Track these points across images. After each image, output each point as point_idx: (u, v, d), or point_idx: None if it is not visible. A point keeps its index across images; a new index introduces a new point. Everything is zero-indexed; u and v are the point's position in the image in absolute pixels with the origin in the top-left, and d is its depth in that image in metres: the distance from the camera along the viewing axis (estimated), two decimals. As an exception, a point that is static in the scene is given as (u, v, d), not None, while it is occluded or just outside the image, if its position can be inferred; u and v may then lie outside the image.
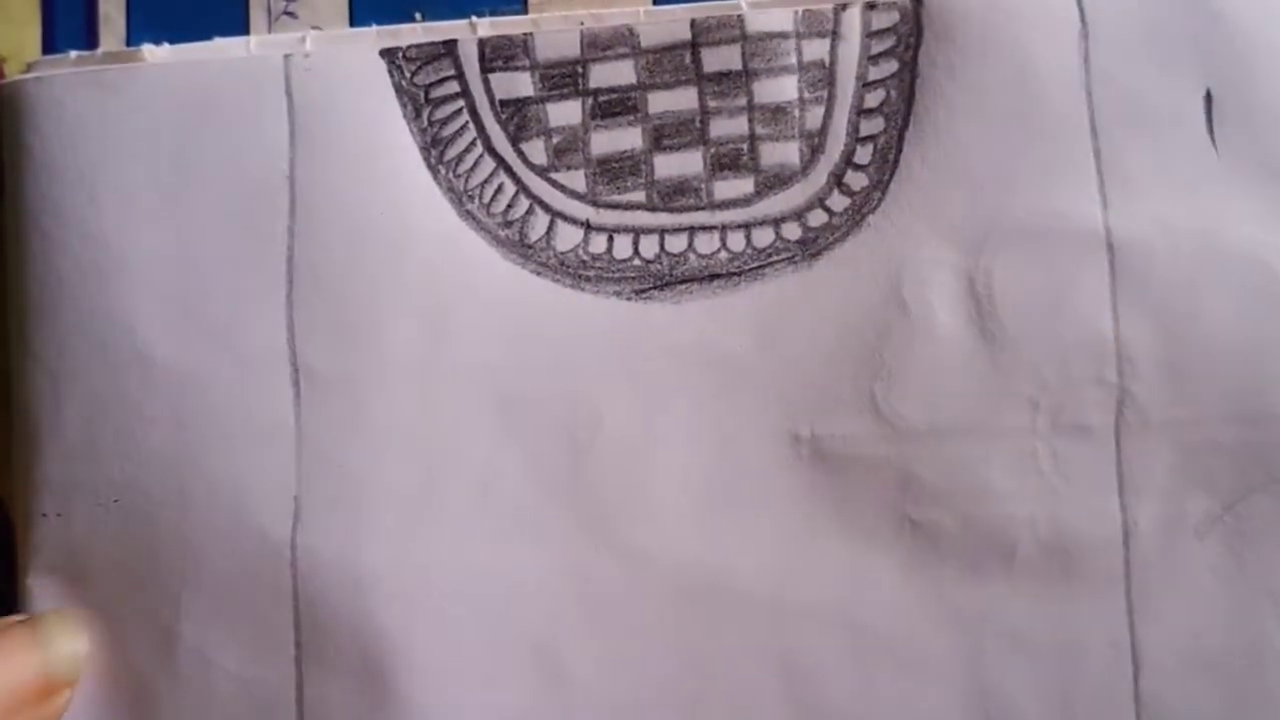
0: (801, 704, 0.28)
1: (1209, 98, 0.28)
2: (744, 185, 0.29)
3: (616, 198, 0.29)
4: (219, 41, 0.30)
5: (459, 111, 0.29)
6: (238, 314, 0.29)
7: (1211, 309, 0.28)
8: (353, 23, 0.31)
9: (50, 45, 0.32)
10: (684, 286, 0.29)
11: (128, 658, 0.28)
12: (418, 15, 0.31)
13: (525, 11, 0.31)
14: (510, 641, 0.28)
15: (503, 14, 0.31)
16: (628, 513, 0.28)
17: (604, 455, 0.28)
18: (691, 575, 0.28)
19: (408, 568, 0.28)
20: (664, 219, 0.29)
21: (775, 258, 0.29)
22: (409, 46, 0.29)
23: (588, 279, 0.29)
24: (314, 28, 0.31)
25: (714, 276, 0.29)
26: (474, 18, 0.30)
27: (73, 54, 0.30)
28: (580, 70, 0.29)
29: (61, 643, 0.27)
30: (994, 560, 0.28)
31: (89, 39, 0.32)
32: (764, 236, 0.29)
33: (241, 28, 0.31)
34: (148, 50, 0.29)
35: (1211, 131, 0.28)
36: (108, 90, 0.29)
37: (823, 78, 0.29)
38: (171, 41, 0.30)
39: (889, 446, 0.28)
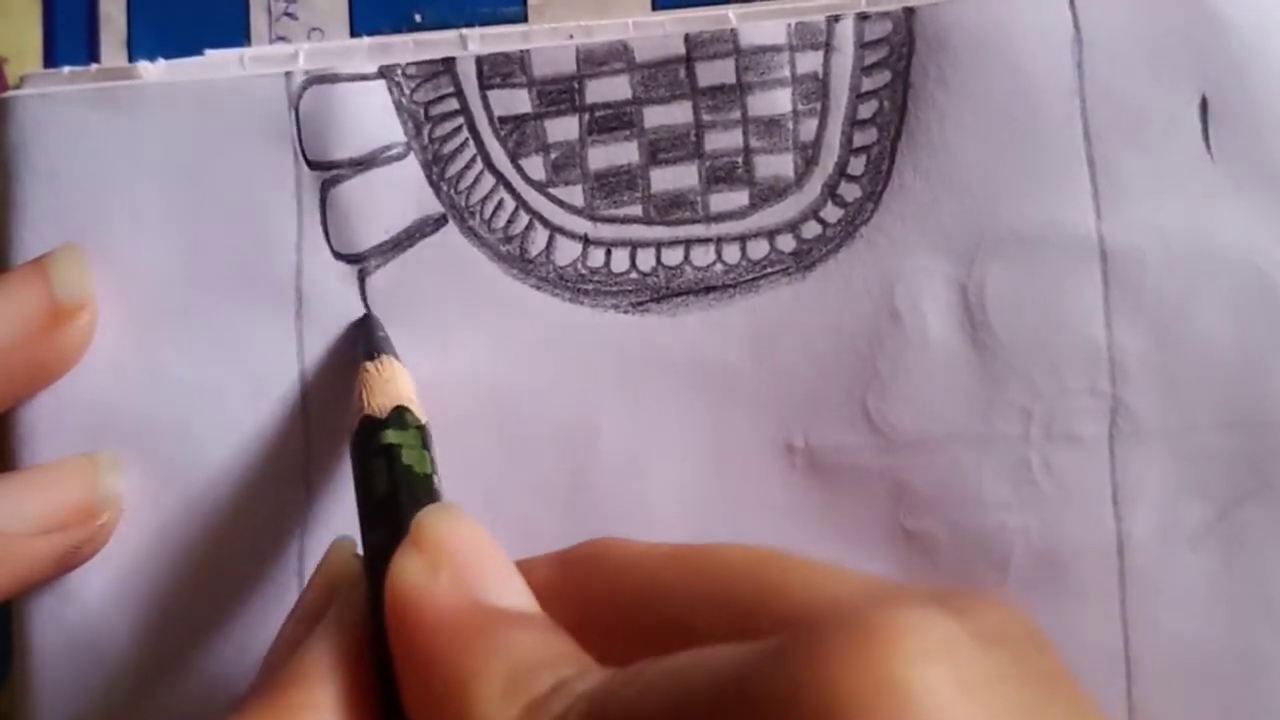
0: None
1: (1204, 104, 0.28)
2: (739, 198, 0.29)
3: (614, 212, 0.29)
4: (212, 55, 0.30)
5: (459, 129, 0.29)
6: (247, 329, 0.29)
7: (1205, 317, 0.28)
8: (352, 23, 0.32)
9: (51, 45, 0.32)
10: (680, 299, 0.29)
11: (123, 667, 0.28)
12: (417, 16, 0.31)
13: (525, 11, 0.31)
14: None
15: (501, 14, 0.31)
16: (626, 523, 0.28)
17: (603, 466, 0.29)
18: None
19: None
20: (660, 232, 0.29)
21: (770, 269, 0.29)
22: (407, 64, 0.29)
23: (586, 293, 0.29)
24: (314, 29, 0.32)
25: (710, 289, 0.29)
26: (464, 30, 0.30)
27: (66, 69, 0.30)
28: (577, 86, 0.29)
29: (67, 271, 0.28)
30: (987, 569, 0.28)
31: (90, 39, 0.32)
32: (759, 249, 0.29)
33: (242, 28, 0.32)
34: (142, 67, 0.30)
35: (1207, 138, 0.28)
36: (113, 107, 0.29)
37: (816, 90, 0.29)
38: (171, 44, 0.30)
39: (882, 456, 0.28)
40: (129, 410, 0.29)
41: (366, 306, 0.29)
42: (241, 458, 0.29)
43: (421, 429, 0.25)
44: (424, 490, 0.24)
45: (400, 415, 0.25)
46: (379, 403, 0.25)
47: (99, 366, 0.29)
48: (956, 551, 0.28)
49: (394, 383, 0.26)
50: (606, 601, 0.22)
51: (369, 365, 0.26)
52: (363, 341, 0.28)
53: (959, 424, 0.28)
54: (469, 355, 0.29)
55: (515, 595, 0.21)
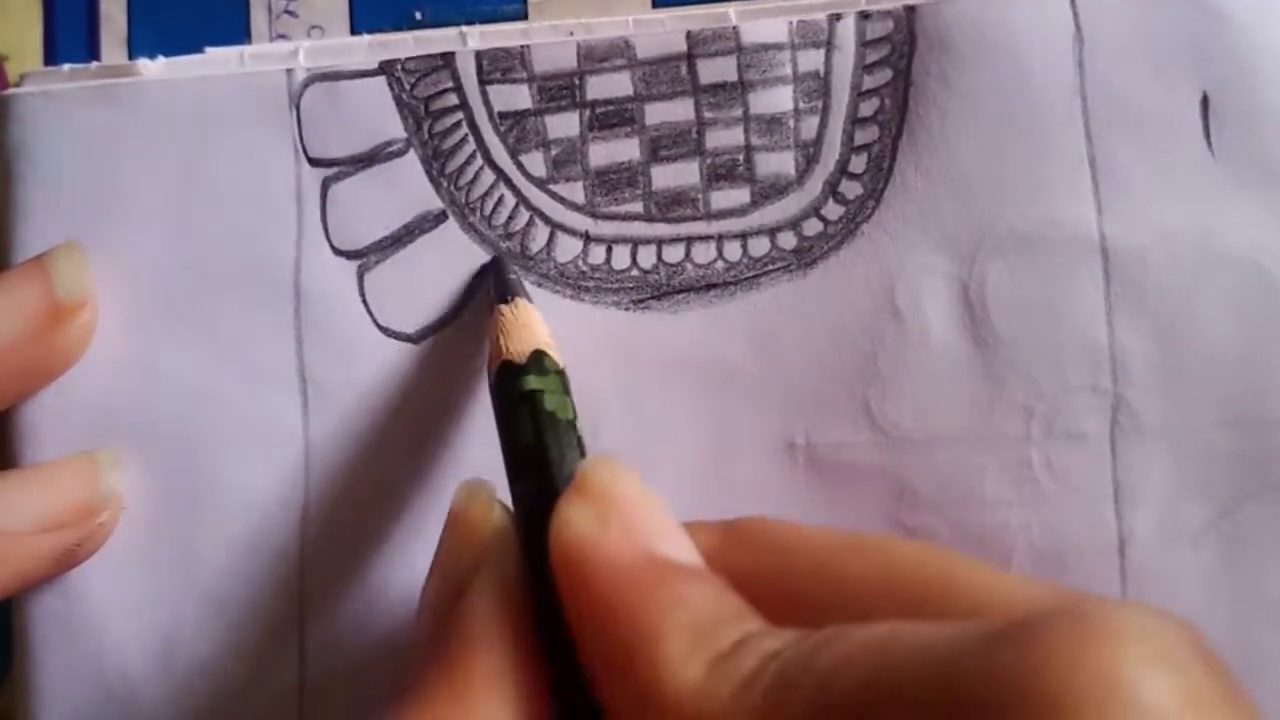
0: None
1: (1206, 102, 0.28)
2: (740, 195, 0.29)
3: (615, 209, 0.29)
4: (212, 53, 0.30)
5: (459, 124, 0.29)
6: (246, 326, 0.29)
7: (1207, 315, 0.28)
8: (353, 21, 0.32)
9: (51, 43, 0.32)
10: (681, 296, 0.29)
11: (124, 664, 0.28)
12: (418, 14, 0.31)
13: (525, 9, 0.31)
14: None
15: (502, 12, 0.31)
16: None
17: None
18: None
19: (414, 574, 0.28)
20: (661, 229, 0.29)
21: (771, 267, 0.29)
22: (407, 59, 0.29)
23: (587, 289, 0.29)
24: (314, 27, 0.32)
25: (711, 286, 0.29)
26: (464, 27, 0.30)
27: (66, 67, 0.30)
28: (577, 82, 0.29)
29: (67, 269, 0.28)
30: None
31: (90, 37, 0.32)
32: (760, 246, 0.29)
33: (242, 26, 0.32)
34: (142, 64, 0.30)
35: (1208, 136, 0.28)
36: (113, 105, 0.29)
37: (817, 88, 0.29)
38: (171, 42, 0.30)
39: (883, 454, 0.28)
40: (129, 407, 0.29)
41: (365, 304, 0.29)
42: (241, 454, 0.29)
43: (561, 374, 0.25)
44: (569, 437, 0.23)
45: (540, 360, 0.25)
46: (516, 347, 0.25)
47: (99, 364, 0.29)
48: (958, 549, 0.27)
49: (530, 326, 0.26)
50: (771, 578, 0.21)
51: (503, 308, 0.26)
52: (494, 284, 0.28)
53: (960, 422, 0.28)
54: (469, 350, 0.29)
55: (684, 550, 0.21)
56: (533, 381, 0.24)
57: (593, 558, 0.20)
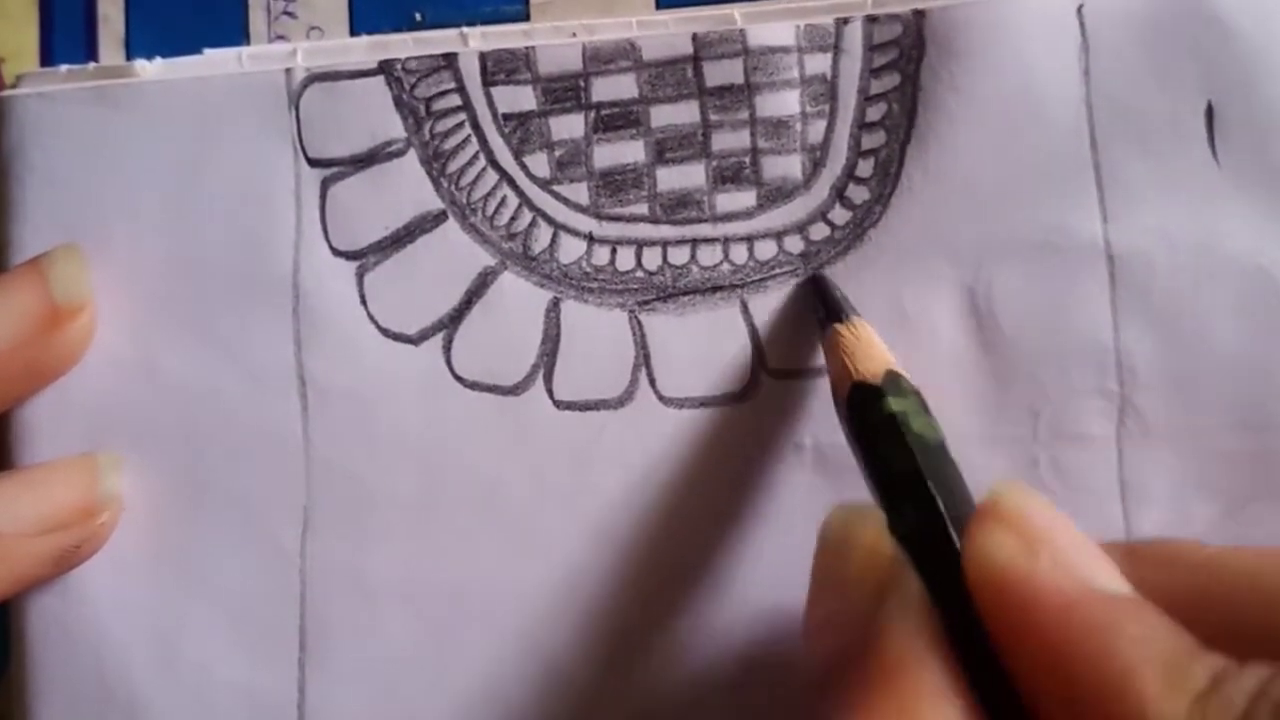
0: (805, 708, 0.27)
1: (1210, 111, 0.28)
2: (746, 198, 0.29)
3: (619, 210, 0.29)
4: (210, 54, 0.30)
5: (461, 125, 0.29)
6: (244, 327, 0.29)
7: (1213, 319, 0.28)
8: (352, 23, 0.31)
9: (48, 45, 0.32)
10: (687, 298, 0.29)
11: (124, 665, 0.28)
12: (418, 15, 0.31)
13: (527, 10, 0.31)
14: (515, 647, 0.28)
15: (503, 13, 0.31)
16: (630, 521, 0.28)
17: (607, 466, 0.28)
18: (694, 582, 0.28)
19: (415, 574, 0.28)
20: (666, 231, 0.29)
21: (777, 271, 0.29)
22: (407, 59, 0.29)
23: (591, 290, 0.29)
24: (313, 28, 0.31)
25: (716, 289, 0.29)
26: (465, 28, 0.30)
27: (63, 68, 0.30)
28: (582, 84, 0.29)
29: (65, 272, 0.28)
30: None
31: (88, 38, 0.32)
32: (766, 249, 0.29)
33: (240, 28, 0.31)
34: (140, 65, 0.29)
35: (1213, 144, 0.28)
36: (110, 106, 0.29)
37: (824, 91, 0.29)
38: (169, 43, 0.30)
39: None
40: (128, 409, 0.29)
41: (364, 305, 0.29)
42: (240, 455, 0.29)
43: (918, 394, 0.24)
44: (944, 460, 0.23)
45: (896, 381, 0.24)
46: (867, 368, 0.25)
47: (98, 365, 0.29)
48: None
49: (874, 345, 0.25)
50: (1190, 602, 0.20)
51: (841, 329, 0.26)
52: (823, 302, 0.27)
53: (966, 424, 0.28)
54: (471, 352, 0.29)
55: (1115, 579, 0.20)
56: (894, 404, 0.24)
57: (1028, 590, 0.20)
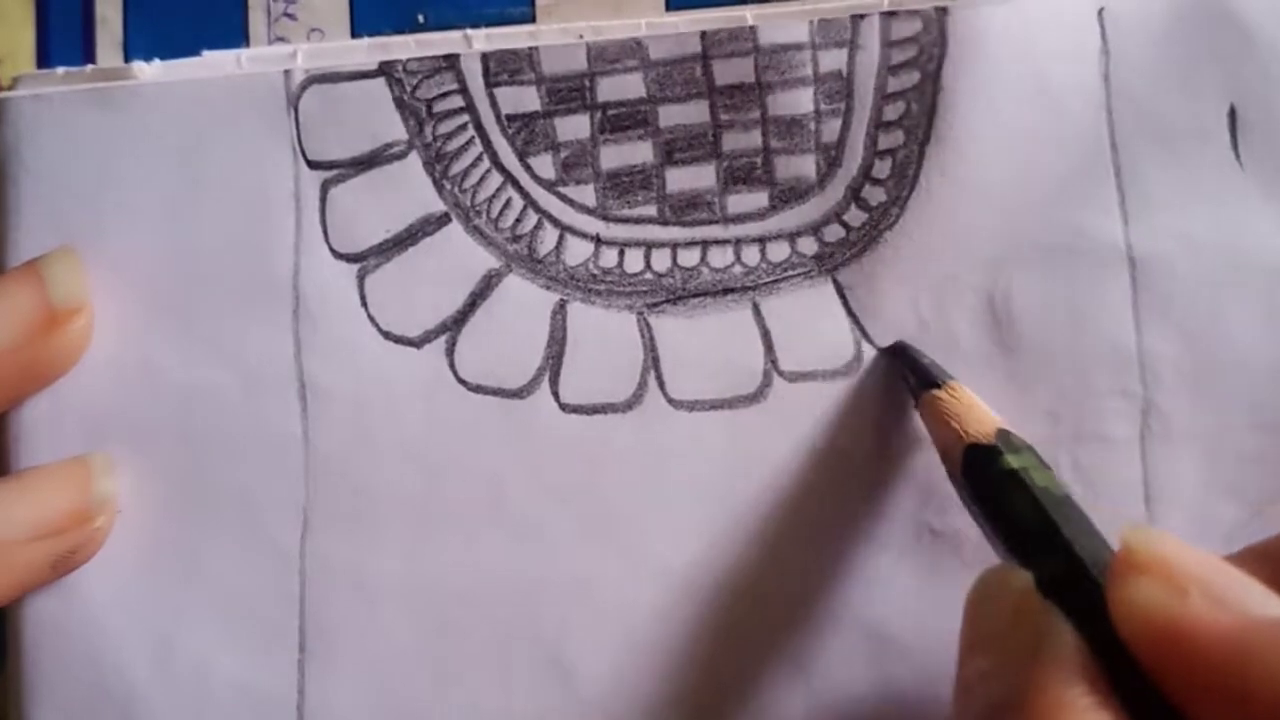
0: (816, 708, 0.28)
1: (1233, 113, 0.28)
2: (758, 199, 0.28)
3: (627, 212, 0.29)
4: (209, 56, 0.30)
5: (464, 126, 0.29)
6: (244, 329, 0.29)
7: (1235, 320, 0.28)
8: (353, 24, 0.31)
9: (45, 46, 0.31)
10: (697, 300, 0.28)
11: (122, 666, 0.28)
12: (420, 17, 0.31)
13: (533, 12, 0.30)
14: (519, 646, 0.28)
15: (508, 15, 0.30)
16: (640, 526, 0.28)
17: (616, 469, 0.28)
18: (705, 581, 0.28)
19: (417, 572, 0.28)
20: (676, 233, 0.28)
21: (791, 272, 0.28)
22: (409, 60, 0.29)
23: (598, 293, 0.28)
24: (314, 30, 0.31)
25: (728, 290, 0.28)
26: (469, 30, 0.29)
27: (61, 70, 0.29)
28: (588, 84, 0.29)
29: (62, 274, 0.28)
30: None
31: (85, 41, 0.31)
32: (779, 251, 0.28)
33: (240, 29, 0.31)
34: (138, 67, 0.29)
35: (1236, 146, 0.28)
36: (108, 108, 0.29)
37: (840, 89, 0.28)
38: (168, 45, 0.30)
39: (907, 455, 0.28)
40: (127, 412, 0.29)
41: (365, 308, 0.29)
42: (239, 457, 0.28)
43: (1032, 449, 0.25)
44: (1074, 512, 0.23)
45: (1007, 437, 0.25)
46: (976, 429, 0.25)
47: (96, 368, 0.28)
48: (982, 551, 0.27)
49: (976, 406, 0.26)
50: None
51: (940, 395, 0.26)
52: (913, 371, 0.27)
53: None
54: (474, 352, 0.28)
55: (1269, 601, 0.20)
56: (1013, 460, 0.24)
57: (1186, 630, 0.19)
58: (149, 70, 0.29)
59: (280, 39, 0.31)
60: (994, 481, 0.24)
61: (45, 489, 0.27)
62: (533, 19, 0.30)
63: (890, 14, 0.28)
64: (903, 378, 0.28)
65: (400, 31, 0.30)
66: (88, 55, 0.31)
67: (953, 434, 0.25)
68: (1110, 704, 0.20)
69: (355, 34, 0.31)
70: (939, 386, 0.26)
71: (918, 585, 0.28)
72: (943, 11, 0.28)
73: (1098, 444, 0.28)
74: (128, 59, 0.31)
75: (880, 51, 0.28)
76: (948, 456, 0.26)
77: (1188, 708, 0.19)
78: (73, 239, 0.28)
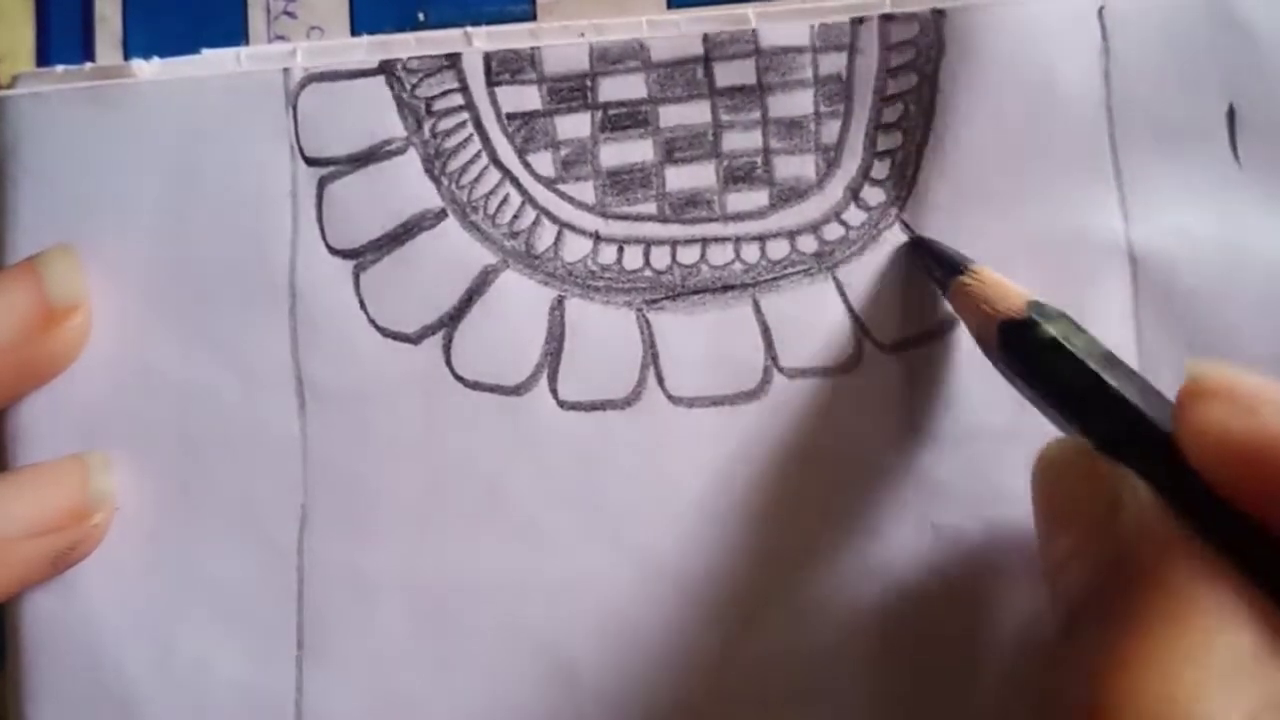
0: (817, 705, 0.27)
1: (1232, 113, 0.28)
2: (758, 198, 0.28)
3: (626, 209, 0.29)
4: (209, 54, 0.30)
5: (463, 124, 0.29)
6: (240, 326, 0.28)
7: (1236, 319, 0.28)
8: (353, 23, 0.31)
9: (45, 45, 0.31)
10: (697, 297, 0.28)
11: (120, 664, 0.28)
12: (421, 15, 0.31)
13: (534, 10, 0.30)
14: (517, 643, 0.28)
15: (509, 13, 0.30)
16: (639, 520, 0.28)
17: (616, 464, 0.28)
18: (705, 578, 0.28)
19: (414, 569, 0.28)
20: (675, 230, 0.28)
21: (790, 270, 0.28)
22: (409, 58, 0.29)
23: (597, 289, 0.28)
24: (314, 28, 0.31)
25: (728, 287, 0.28)
26: (469, 28, 0.29)
27: (59, 68, 0.29)
28: (589, 84, 0.29)
29: (60, 272, 0.28)
30: (1017, 564, 0.27)
31: (85, 39, 0.31)
32: (779, 249, 0.28)
33: (240, 28, 0.31)
34: (136, 65, 0.29)
35: (1235, 145, 0.28)
36: (106, 106, 0.29)
37: (839, 91, 0.29)
38: (168, 43, 0.30)
39: (910, 452, 0.28)
40: (124, 409, 0.29)
41: (362, 304, 0.29)
42: (237, 454, 0.28)
43: (1065, 315, 0.25)
44: (1118, 365, 0.23)
45: (1040, 307, 0.25)
46: (1006, 305, 0.25)
47: (93, 365, 0.29)
48: (985, 546, 0.28)
49: (1003, 284, 0.26)
50: None
51: (966, 279, 0.26)
52: (937, 262, 0.27)
53: (987, 420, 0.28)
54: (473, 349, 0.28)
55: None
56: (1051, 328, 0.24)
57: (1265, 445, 0.20)
58: (148, 69, 0.29)
59: (280, 37, 0.31)
60: (1035, 353, 0.24)
61: (43, 486, 0.27)
62: (533, 17, 0.30)
63: (888, 18, 0.28)
64: (926, 271, 0.28)
65: (401, 29, 0.30)
66: (87, 54, 0.31)
67: (985, 315, 0.25)
68: (1204, 546, 0.20)
69: (355, 32, 0.31)
70: (964, 272, 0.26)
71: (919, 581, 0.28)
72: (940, 15, 0.28)
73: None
74: (127, 57, 0.31)
75: (879, 55, 0.28)
76: (984, 339, 0.26)
77: (1272, 527, 0.19)
78: (70, 237, 0.28)
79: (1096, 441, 0.22)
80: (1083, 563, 0.22)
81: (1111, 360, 0.23)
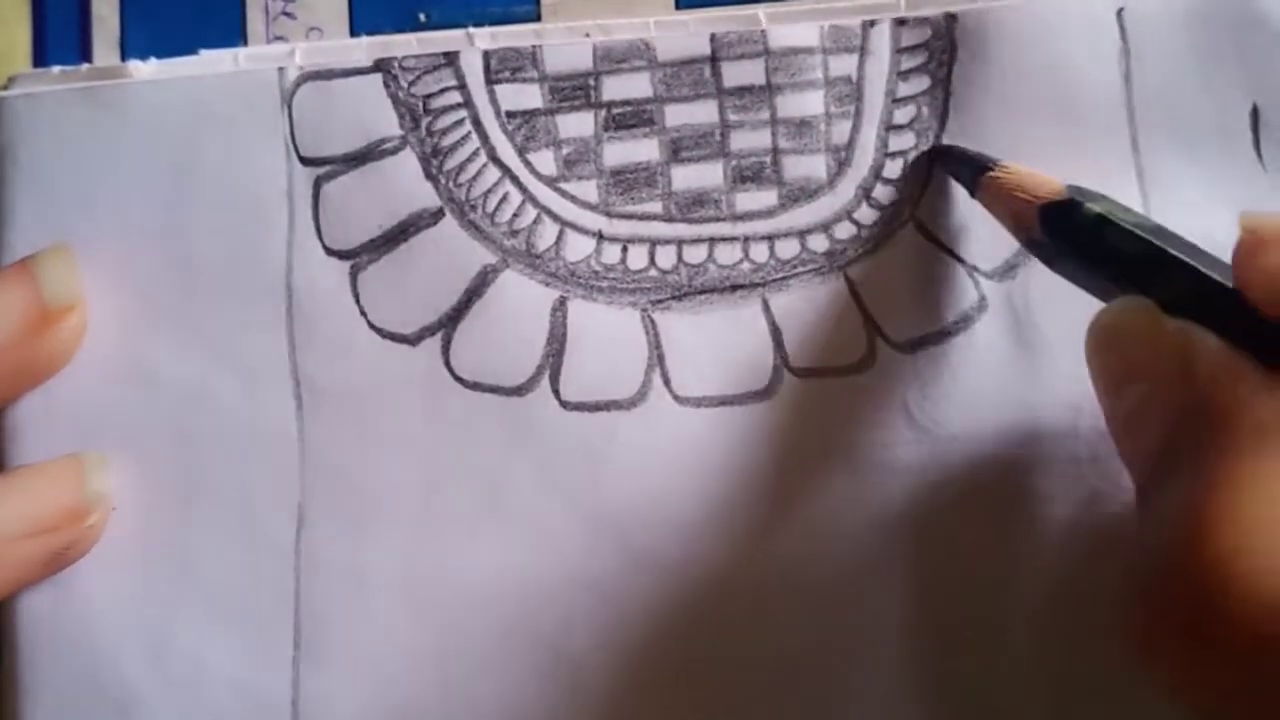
0: (822, 705, 0.27)
1: (1255, 113, 0.28)
2: (767, 197, 0.28)
3: (631, 208, 0.28)
4: (206, 55, 0.29)
5: (460, 122, 0.28)
6: (238, 327, 0.28)
7: None
8: (352, 23, 0.31)
9: (41, 46, 0.31)
10: (704, 297, 0.28)
11: (117, 663, 0.28)
12: (422, 16, 0.30)
13: (538, 10, 0.30)
14: (517, 642, 0.28)
15: (513, 14, 0.30)
16: (643, 521, 0.28)
17: (619, 463, 0.28)
18: (711, 579, 0.28)
19: (412, 569, 0.28)
20: (682, 230, 0.28)
21: (800, 269, 0.28)
22: (405, 57, 0.29)
23: (601, 290, 0.28)
24: (313, 29, 0.30)
25: (736, 287, 0.28)
26: (471, 28, 0.29)
27: (56, 69, 0.29)
28: (592, 83, 0.28)
29: (55, 272, 0.28)
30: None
31: (82, 39, 0.31)
32: (788, 248, 0.28)
33: (238, 28, 0.31)
34: (133, 66, 0.29)
35: (1258, 147, 0.28)
36: (102, 107, 0.29)
37: (850, 93, 0.28)
38: (166, 44, 0.29)
39: (922, 451, 0.28)
40: (121, 409, 0.28)
41: (358, 303, 0.28)
42: (234, 454, 0.28)
43: (1104, 195, 0.25)
44: (1169, 233, 0.23)
45: (1080, 190, 0.25)
46: (1043, 191, 0.25)
47: (89, 366, 0.28)
48: (993, 551, 0.27)
49: (1034, 174, 0.26)
50: None
51: (998, 174, 0.26)
52: (964, 167, 0.27)
53: (1003, 419, 0.28)
54: (473, 349, 0.28)
55: None
56: (1094, 206, 0.24)
57: None
58: (145, 69, 0.29)
59: (279, 38, 0.31)
60: (1084, 230, 0.24)
61: (39, 486, 0.27)
62: (538, 17, 0.30)
63: (900, 21, 0.28)
64: (953, 176, 0.28)
65: (401, 30, 0.30)
66: (84, 54, 0.31)
67: (1022, 202, 0.25)
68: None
69: (354, 33, 0.30)
70: (994, 168, 0.26)
71: (929, 582, 0.27)
72: (951, 18, 0.28)
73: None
74: (124, 58, 0.30)
75: (890, 58, 0.28)
76: (1021, 227, 0.25)
77: None
78: (65, 237, 0.28)
79: (1162, 304, 0.22)
80: (1160, 414, 0.22)
81: (1162, 230, 0.23)
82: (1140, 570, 0.21)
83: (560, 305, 0.28)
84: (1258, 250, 0.21)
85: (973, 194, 0.27)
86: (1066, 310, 0.27)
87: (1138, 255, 0.23)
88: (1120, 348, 0.23)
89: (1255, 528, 0.19)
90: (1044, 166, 0.27)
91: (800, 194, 0.28)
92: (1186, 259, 0.22)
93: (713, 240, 0.28)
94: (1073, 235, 0.24)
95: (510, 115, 0.28)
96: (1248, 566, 0.19)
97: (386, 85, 0.28)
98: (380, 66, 0.29)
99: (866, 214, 0.28)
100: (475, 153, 0.28)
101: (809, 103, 0.28)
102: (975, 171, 0.26)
